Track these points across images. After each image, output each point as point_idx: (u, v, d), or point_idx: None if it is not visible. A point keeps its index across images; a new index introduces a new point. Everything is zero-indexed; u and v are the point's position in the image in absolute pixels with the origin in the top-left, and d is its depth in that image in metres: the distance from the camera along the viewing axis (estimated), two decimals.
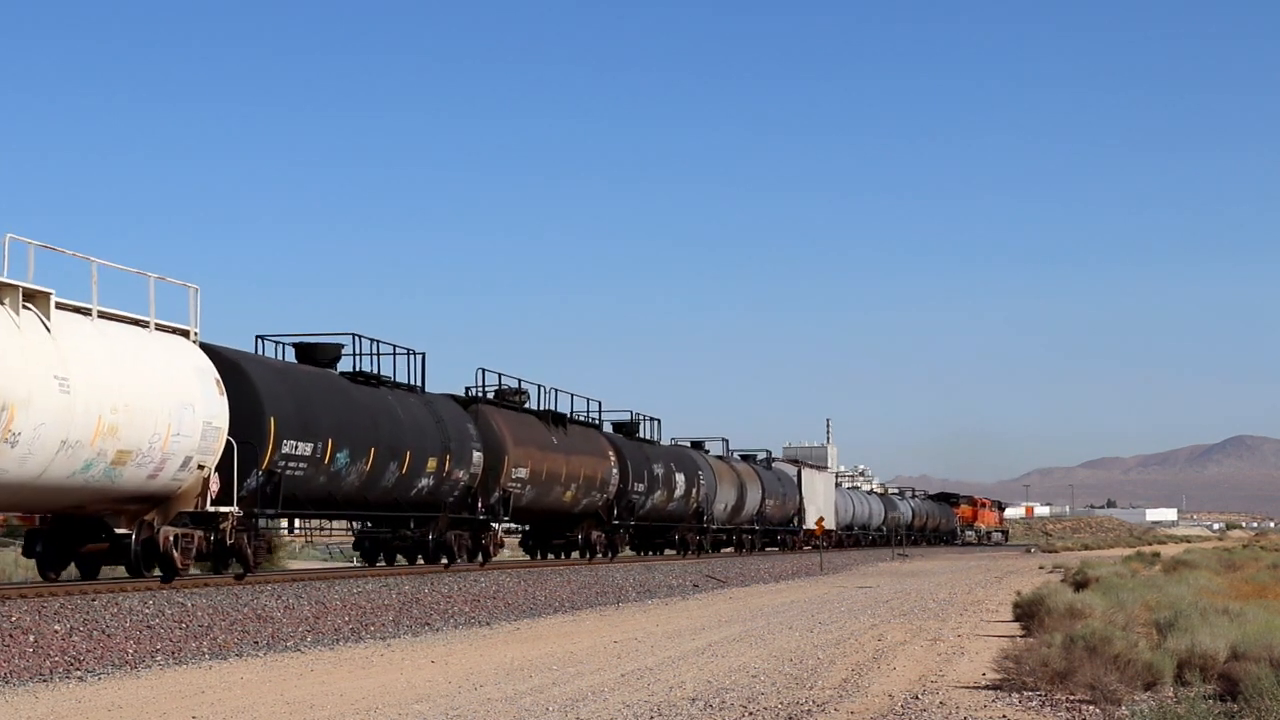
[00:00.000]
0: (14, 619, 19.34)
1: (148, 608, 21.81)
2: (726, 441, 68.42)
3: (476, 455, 36.92)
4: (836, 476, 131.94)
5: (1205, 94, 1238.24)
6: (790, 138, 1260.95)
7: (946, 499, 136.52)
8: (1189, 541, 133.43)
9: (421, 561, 36.59)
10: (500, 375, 42.69)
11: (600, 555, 46.78)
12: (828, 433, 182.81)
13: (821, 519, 76.20)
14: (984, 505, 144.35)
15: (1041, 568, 57.88)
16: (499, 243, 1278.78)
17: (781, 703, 14.87)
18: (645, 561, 49.86)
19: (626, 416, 54.00)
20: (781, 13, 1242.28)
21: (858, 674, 17.66)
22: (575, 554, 47.43)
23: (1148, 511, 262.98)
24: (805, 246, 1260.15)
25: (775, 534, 74.47)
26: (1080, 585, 32.58)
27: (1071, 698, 14.84)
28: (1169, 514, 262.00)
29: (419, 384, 36.13)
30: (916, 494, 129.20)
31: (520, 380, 43.28)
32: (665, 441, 58.38)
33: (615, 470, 47.21)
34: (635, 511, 49.32)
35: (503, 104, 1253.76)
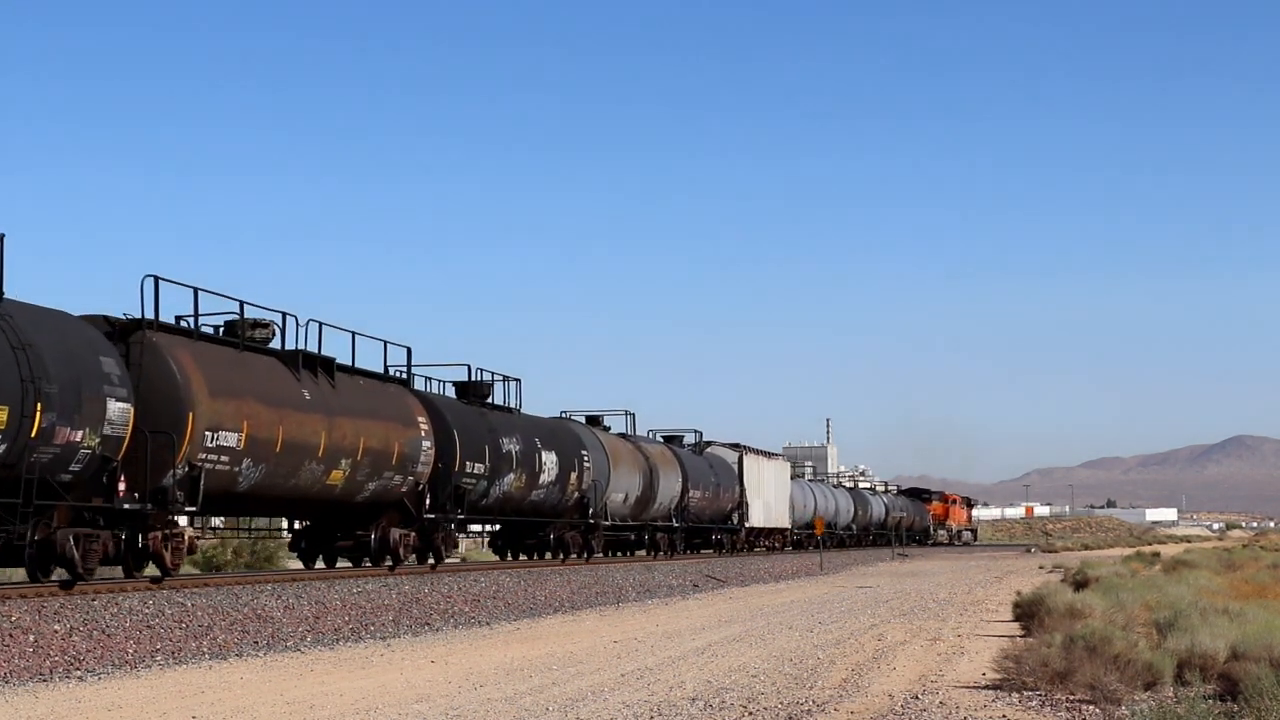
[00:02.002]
0: (14, 619, 19.35)
1: (148, 608, 21.83)
2: (631, 416, 53.83)
3: (117, 407, 23.12)
4: (838, 476, 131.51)
5: (1207, 93, 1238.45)
6: (790, 136, 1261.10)
7: (919, 495, 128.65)
8: (1189, 541, 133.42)
9: (70, 575, 23.16)
10: (197, 290, 26.62)
11: (412, 560, 34.12)
12: (828, 433, 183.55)
13: (821, 518, 75.36)
14: (954, 502, 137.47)
15: (1041, 568, 57.91)
16: (499, 243, 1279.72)
17: (781, 703, 14.87)
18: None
19: (464, 373, 39.51)
20: (775, 13, 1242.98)
21: (858, 674, 17.66)
22: (396, 560, 33.04)
23: (1148, 511, 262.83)
24: (805, 246, 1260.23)
25: (709, 533, 61.56)
26: (1080, 585, 32.57)
27: (1071, 698, 14.84)
28: (1169, 514, 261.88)
29: None
30: (889, 489, 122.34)
31: (244, 303, 28.08)
32: (545, 414, 45.86)
33: (430, 443, 33.77)
34: (469, 501, 36.07)
35: (502, 97, 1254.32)
